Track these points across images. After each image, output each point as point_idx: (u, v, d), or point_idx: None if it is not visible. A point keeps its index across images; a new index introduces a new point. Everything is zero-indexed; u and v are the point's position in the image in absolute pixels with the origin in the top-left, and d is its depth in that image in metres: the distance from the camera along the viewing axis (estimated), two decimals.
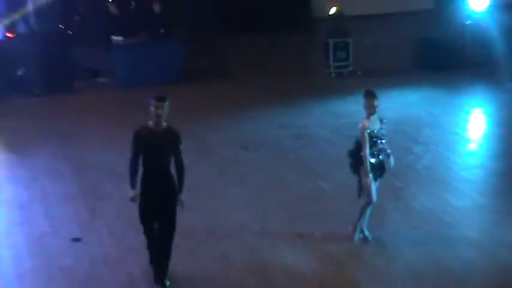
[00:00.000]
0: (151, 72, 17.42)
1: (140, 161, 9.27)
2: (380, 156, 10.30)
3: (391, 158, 10.40)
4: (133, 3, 19.20)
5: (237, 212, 11.52)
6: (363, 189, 10.34)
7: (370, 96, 10.20)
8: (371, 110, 10.14)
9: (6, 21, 17.97)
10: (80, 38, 18.55)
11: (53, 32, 17.61)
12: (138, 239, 10.02)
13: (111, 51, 17.99)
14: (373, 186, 10.26)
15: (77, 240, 10.82)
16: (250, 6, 21.09)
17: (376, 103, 10.15)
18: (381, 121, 10.28)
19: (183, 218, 9.44)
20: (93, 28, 18.90)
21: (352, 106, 16.07)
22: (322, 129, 15.12)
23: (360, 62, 18.07)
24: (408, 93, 16.70)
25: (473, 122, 15.84)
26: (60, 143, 14.34)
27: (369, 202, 10.31)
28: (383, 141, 10.28)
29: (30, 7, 17.61)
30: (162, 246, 9.39)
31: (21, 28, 18.03)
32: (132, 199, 9.30)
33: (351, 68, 18.05)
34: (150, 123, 9.18)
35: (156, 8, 18.06)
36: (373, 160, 10.21)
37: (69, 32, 18.27)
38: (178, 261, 9.61)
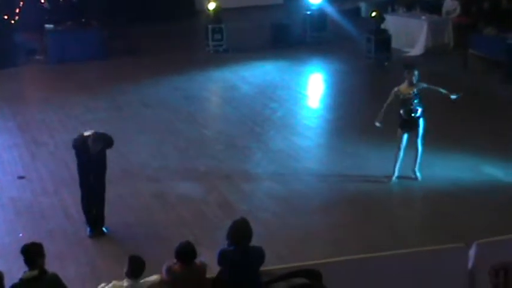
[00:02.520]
0: (77, 52, 16.89)
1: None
2: (413, 115, 9.28)
3: (419, 111, 9.33)
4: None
5: (143, 154, 11.35)
6: None
7: (408, 68, 9.34)
8: (409, 79, 9.24)
9: None
10: (20, 26, 17.85)
11: None
12: (69, 175, 9.79)
13: (45, 35, 17.39)
14: (404, 137, 9.46)
15: (21, 177, 10.47)
16: (149, 2, 20.80)
17: (413, 73, 9.20)
18: (416, 87, 9.25)
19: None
20: (30, 18, 18.20)
21: (226, 74, 16.03)
22: (204, 91, 14.98)
23: (231, 41, 17.99)
24: (266, 64, 16.71)
25: (312, 84, 16.05)
26: (7, 105, 13.72)
27: (398, 148, 9.57)
28: (415, 101, 9.24)
29: None
30: (98, 194, 8.62)
31: None
32: None
33: (224, 47, 17.95)
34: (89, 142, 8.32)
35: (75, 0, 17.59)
36: (405, 117, 9.30)
37: (11, 21, 17.52)
38: None
